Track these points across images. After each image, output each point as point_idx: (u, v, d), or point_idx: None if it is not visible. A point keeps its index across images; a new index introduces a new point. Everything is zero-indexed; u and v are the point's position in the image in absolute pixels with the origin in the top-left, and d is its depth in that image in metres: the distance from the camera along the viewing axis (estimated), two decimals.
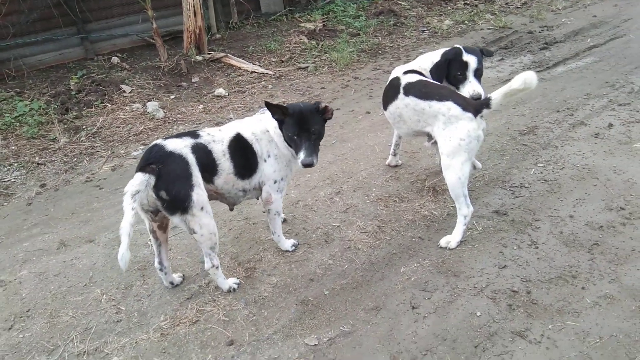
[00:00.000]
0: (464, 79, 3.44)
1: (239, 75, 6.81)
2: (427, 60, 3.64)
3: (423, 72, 3.59)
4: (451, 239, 3.26)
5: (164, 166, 2.61)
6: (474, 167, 3.85)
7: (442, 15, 9.09)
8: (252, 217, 3.75)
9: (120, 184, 4.38)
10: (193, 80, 6.79)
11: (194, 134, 2.85)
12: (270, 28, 8.67)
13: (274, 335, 2.73)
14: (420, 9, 9.43)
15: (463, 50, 3.43)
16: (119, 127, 5.45)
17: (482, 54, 3.49)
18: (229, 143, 2.90)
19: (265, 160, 3.02)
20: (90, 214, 4.02)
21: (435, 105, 3.21)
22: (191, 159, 2.70)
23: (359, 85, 6.20)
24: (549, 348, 2.50)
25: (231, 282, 3.06)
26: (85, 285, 3.22)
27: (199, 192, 2.68)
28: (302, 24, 8.74)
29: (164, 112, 5.71)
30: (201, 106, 5.88)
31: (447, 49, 3.55)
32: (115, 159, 4.85)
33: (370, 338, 2.66)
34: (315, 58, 7.31)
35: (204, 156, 2.78)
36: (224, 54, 7.25)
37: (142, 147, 5.04)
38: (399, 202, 3.77)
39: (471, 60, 3.40)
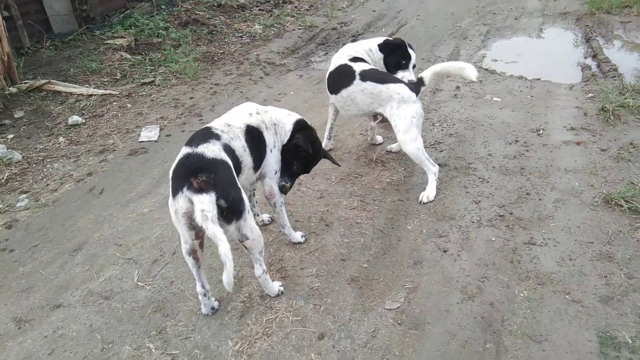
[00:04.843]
0: (405, 67, 3.96)
1: (77, 101, 5.97)
2: (362, 46, 4.03)
3: (361, 56, 3.96)
4: (428, 194, 3.74)
5: (215, 174, 2.40)
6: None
7: (246, 21, 9.45)
8: None
9: (33, 240, 3.60)
10: (16, 116, 5.68)
11: (214, 135, 2.63)
12: (73, 49, 7.70)
13: (354, 315, 2.79)
14: (221, 17, 9.59)
15: (407, 45, 3.98)
16: None
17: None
18: (245, 137, 2.79)
19: (271, 151, 3.01)
20: (25, 280, 3.22)
21: (391, 87, 3.65)
22: (229, 161, 2.55)
23: (226, 90, 6.15)
24: (555, 246, 3.20)
25: (277, 285, 2.95)
26: (104, 349, 2.66)
27: (244, 195, 2.55)
28: (109, 41, 8.01)
29: (20, 154, 4.71)
30: (61, 138, 5.04)
31: (391, 38, 4.05)
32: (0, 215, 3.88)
33: (434, 285, 2.96)
34: (153, 72, 6.87)
35: (232, 156, 2.64)
36: (46, 81, 6.21)
37: (23, 195, 4.12)
38: (360, 178, 4.07)
39: (413, 55, 4.00)
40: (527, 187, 3.80)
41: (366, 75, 3.73)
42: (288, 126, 3.06)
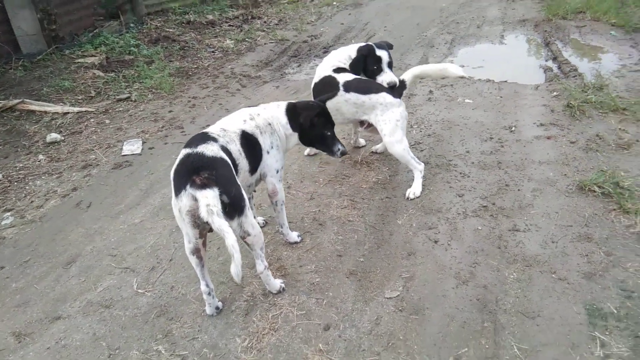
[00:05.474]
0: (379, 70, 4.08)
1: (52, 120, 5.92)
2: (343, 54, 4.14)
3: (344, 65, 4.08)
4: (415, 190, 3.89)
5: (216, 171, 2.48)
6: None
7: (217, 37, 9.53)
8: None
9: (23, 256, 3.57)
10: None
11: (211, 138, 2.71)
12: (43, 69, 7.61)
13: (356, 305, 2.89)
14: (192, 33, 9.65)
15: (375, 47, 4.06)
16: None
17: (388, 47, 4.18)
18: (240, 141, 2.88)
19: (268, 152, 3.08)
20: (19, 295, 3.18)
21: (374, 97, 3.80)
22: (227, 159, 2.64)
23: (205, 102, 6.21)
24: (537, 230, 3.39)
25: (279, 282, 3.02)
26: (111, 355, 2.68)
27: (244, 192, 2.64)
28: (80, 60, 7.96)
29: (0, 173, 4.65)
30: (41, 156, 4.99)
31: (361, 45, 4.12)
32: None
33: (429, 274, 3.09)
34: (128, 88, 6.87)
35: (229, 157, 2.73)
36: (19, 101, 6.13)
37: (7, 213, 4.07)
38: (347, 179, 4.20)
39: (384, 54, 4.06)
40: (506, 180, 4.00)
41: (349, 86, 3.85)
42: (282, 119, 3.13)
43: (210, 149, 2.58)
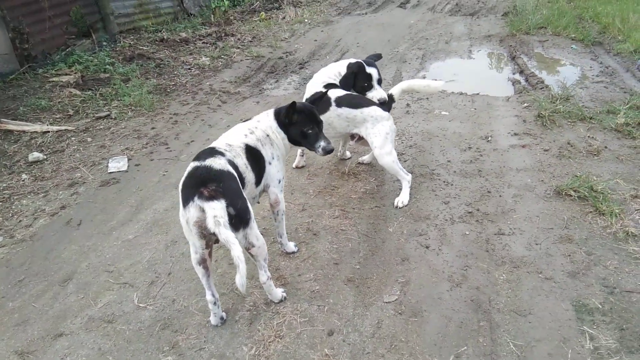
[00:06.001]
0: (370, 87, 4.23)
1: (31, 139, 5.84)
2: (333, 70, 4.28)
3: (334, 81, 4.22)
4: (403, 199, 4.05)
5: (223, 184, 2.57)
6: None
7: (192, 54, 9.57)
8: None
9: (17, 275, 3.53)
10: None
11: (219, 152, 2.80)
12: (17, 88, 7.49)
13: (357, 310, 3.00)
14: (166, 51, 9.68)
15: (365, 64, 4.22)
16: None
17: (376, 60, 4.35)
18: (245, 155, 2.97)
19: (270, 163, 3.17)
20: (17, 314, 3.16)
21: (365, 111, 3.95)
22: (234, 173, 2.73)
23: (187, 119, 6.25)
24: (521, 234, 3.59)
25: (280, 291, 3.10)
26: None
27: (249, 205, 2.73)
28: (54, 79, 7.88)
29: None
30: (24, 175, 4.93)
31: (352, 62, 4.27)
32: None
33: (424, 278, 3.24)
34: (106, 106, 6.84)
35: (236, 172, 2.82)
36: None
37: None
38: (336, 189, 4.32)
39: (373, 72, 4.21)
40: (487, 187, 4.20)
41: (341, 102, 3.99)
42: (273, 124, 3.19)
43: (218, 163, 2.67)
